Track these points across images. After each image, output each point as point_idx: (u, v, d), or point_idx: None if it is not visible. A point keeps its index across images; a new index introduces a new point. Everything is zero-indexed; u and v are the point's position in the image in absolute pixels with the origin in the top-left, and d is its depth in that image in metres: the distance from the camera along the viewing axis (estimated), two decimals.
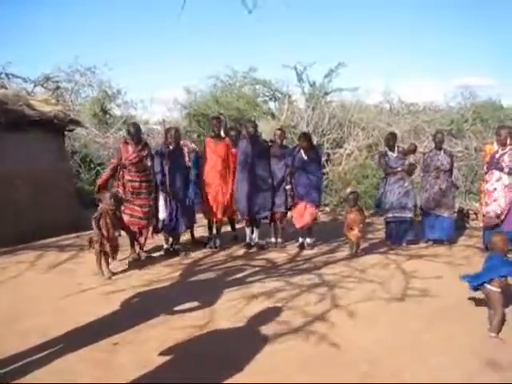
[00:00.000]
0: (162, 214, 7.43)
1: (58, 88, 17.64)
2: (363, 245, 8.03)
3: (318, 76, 15.28)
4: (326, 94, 15.68)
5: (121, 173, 7.19)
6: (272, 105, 17.10)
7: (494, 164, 7.28)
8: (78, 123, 10.51)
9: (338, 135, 13.91)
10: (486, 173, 7.53)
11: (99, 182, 7.28)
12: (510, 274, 4.59)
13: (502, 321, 4.53)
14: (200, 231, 8.59)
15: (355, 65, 33.80)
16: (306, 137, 8.08)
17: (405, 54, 39.10)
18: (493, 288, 4.53)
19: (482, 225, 7.80)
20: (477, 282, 4.67)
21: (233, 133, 8.58)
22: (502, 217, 7.17)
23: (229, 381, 3.62)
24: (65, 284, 6.14)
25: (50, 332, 4.47)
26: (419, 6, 36.40)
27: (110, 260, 6.52)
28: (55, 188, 9.22)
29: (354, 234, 7.53)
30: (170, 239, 7.76)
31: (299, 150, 7.90)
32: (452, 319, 4.86)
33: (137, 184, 7.18)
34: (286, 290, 5.88)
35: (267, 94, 17.10)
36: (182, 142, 7.77)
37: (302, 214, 7.86)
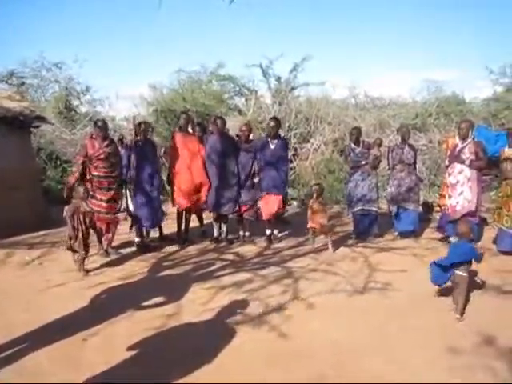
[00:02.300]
0: (131, 207, 7.49)
1: (22, 84, 17.35)
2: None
3: (284, 71, 15.30)
4: (293, 88, 15.74)
5: (87, 169, 7.17)
6: (239, 100, 17.12)
7: (455, 157, 7.46)
8: (43, 120, 10.38)
9: (305, 130, 14.02)
10: (447, 166, 7.72)
11: (72, 179, 7.14)
12: (476, 258, 4.97)
13: (466, 303, 4.88)
14: (168, 227, 8.60)
15: (322, 60, 34.01)
16: (275, 120, 8.29)
17: (372, 48, 39.41)
18: (461, 273, 4.85)
19: (442, 216, 7.98)
20: (446, 263, 4.95)
21: (198, 129, 8.60)
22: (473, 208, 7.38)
23: (196, 373, 3.69)
24: (34, 281, 6.12)
25: (18, 329, 4.46)
26: (383, 2, 36.72)
27: (83, 257, 6.49)
28: (21, 186, 9.08)
29: (318, 221, 7.59)
30: (141, 234, 7.77)
31: (267, 142, 8.00)
32: (413, 310, 5.01)
33: (104, 179, 7.17)
34: (253, 282, 6.00)
35: (234, 90, 17.10)
36: None
37: (268, 205, 7.95)
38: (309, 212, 7.72)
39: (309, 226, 7.69)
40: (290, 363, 3.90)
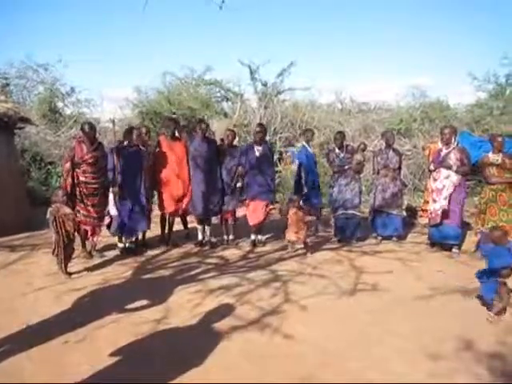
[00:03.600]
0: (113, 211, 7.43)
1: (7, 85, 17.21)
2: (315, 240, 8.26)
3: (270, 76, 15.37)
4: (279, 93, 15.81)
5: (74, 173, 7.06)
6: (225, 104, 17.14)
7: (441, 162, 7.52)
8: (28, 121, 10.29)
9: (291, 134, 14.08)
10: (431, 171, 7.78)
11: (67, 187, 6.97)
12: None
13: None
14: (152, 230, 8.50)
15: (309, 65, 34.08)
16: (261, 126, 8.34)
17: (358, 54, 39.66)
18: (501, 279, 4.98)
19: (427, 221, 8.03)
20: (489, 270, 5.07)
21: (184, 134, 8.58)
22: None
23: (184, 377, 3.68)
24: (16, 284, 6.07)
25: None
26: (371, 6, 36.98)
27: (66, 259, 6.43)
28: (4, 187, 8.98)
29: (295, 234, 7.61)
30: (124, 238, 7.71)
31: (252, 148, 8.01)
32: (399, 313, 5.05)
33: (91, 185, 7.10)
34: (240, 285, 5.99)
35: (220, 93, 17.12)
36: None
37: (255, 212, 7.97)
38: (288, 222, 7.72)
39: (287, 238, 7.70)
40: (279, 365, 3.90)
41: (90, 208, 7.13)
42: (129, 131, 7.59)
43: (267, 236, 8.47)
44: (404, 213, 9.10)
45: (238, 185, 7.98)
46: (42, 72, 17.75)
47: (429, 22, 36.29)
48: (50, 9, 35.07)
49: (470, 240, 7.97)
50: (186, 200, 7.96)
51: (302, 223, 7.63)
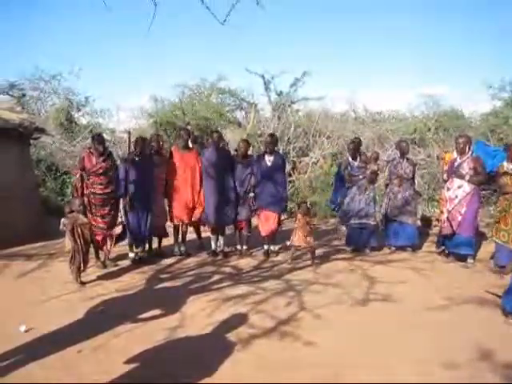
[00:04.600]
0: (123, 220, 7.51)
1: (23, 96, 17.43)
2: (328, 250, 8.26)
3: (283, 86, 15.40)
4: (292, 103, 15.84)
5: (84, 183, 7.17)
6: (239, 114, 17.21)
7: (454, 172, 7.49)
8: (43, 131, 10.40)
9: (304, 143, 14.09)
10: (445, 180, 7.75)
11: (77, 188, 7.18)
12: None
13: None
14: (165, 240, 8.54)
15: (322, 74, 34.11)
16: (272, 136, 8.33)
17: (371, 63, 39.58)
18: None
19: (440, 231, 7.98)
20: None
21: (196, 145, 8.62)
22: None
23: None
24: (31, 293, 6.08)
25: (13, 341, 4.43)
26: (384, 16, 36.97)
27: (80, 268, 6.46)
28: (20, 197, 9.07)
29: (303, 239, 7.57)
30: (136, 248, 7.74)
31: (263, 158, 8.03)
32: (414, 323, 5.01)
33: (100, 197, 7.18)
34: (255, 295, 5.98)
35: (234, 103, 17.19)
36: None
37: (267, 222, 7.98)
38: (295, 227, 7.72)
39: (293, 243, 7.67)
40: (294, 374, 3.88)
41: (98, 218, 7.20)
42: (140, 141, 7.64)
43: (279, 246, 8.44)
44: (419, 222, 9.05)
45: (251, 195, 7.99)
46: (55, 83, 18.00)
47: (443, 30, 36.12)
48: (66, 17, 35.34)
49: (486, 250, 7.92)
50: (198, 210, 7.99)
51: (308, 229, 7.61)
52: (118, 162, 7.54)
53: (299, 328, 4.87)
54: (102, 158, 7.19)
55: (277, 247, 8.27)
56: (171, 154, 8.00)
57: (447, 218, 7.53)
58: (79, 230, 6.35)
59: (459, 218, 7.39)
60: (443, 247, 7.89)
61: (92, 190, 7.14)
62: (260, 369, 3.98)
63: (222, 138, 8.34)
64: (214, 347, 4.43)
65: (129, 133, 8.61)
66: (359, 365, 4.06)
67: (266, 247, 8.16)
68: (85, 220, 6.50)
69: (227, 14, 4.73)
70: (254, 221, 8.53)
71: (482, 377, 3.81)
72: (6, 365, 4.01)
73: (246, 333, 4.72)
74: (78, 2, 34.92)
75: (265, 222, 8.01)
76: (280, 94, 15.48)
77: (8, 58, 29.33)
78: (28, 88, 17.84)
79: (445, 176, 7.82)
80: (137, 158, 7.50)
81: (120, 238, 7.58)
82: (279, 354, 4.27)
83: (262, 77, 15.27)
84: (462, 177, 7.40)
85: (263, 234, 8.07)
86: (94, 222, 7.08)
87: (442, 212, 7.89)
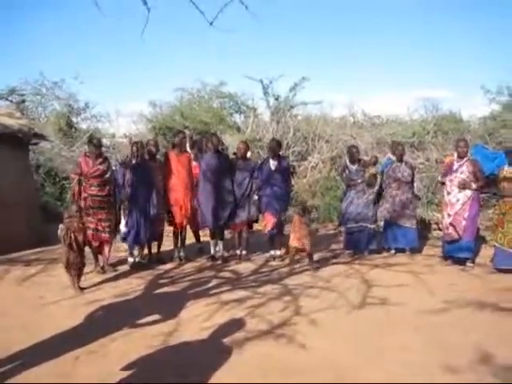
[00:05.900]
0: (123, 227, 7.51)
1: (23, 101, 17.43)
2: (327, 255, 8.27)
3: (282, 90, 15.32)
4: (291, 107, 15.84)
5: (81, 187, 7.18)
6: (238, 118, 17.21)
7: (453, 175, 7.48)
8: (42, 137, 10.42)
9: (303, 148, 14.11)
10: (442, 182, 7.76)
11: (77, 201, 7.15)
12: None
13: None
14: (163, 245, 8.53)
15: (320, 78, 34.13)
16: (275, 141, 8.41)
17: (370, 67, 39.58)
18: None
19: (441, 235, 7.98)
20: None
21: (194, 149, 8.61)
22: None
23: None
24: (31, 298, 6.10)
25: (13, 347, 4.42)
26: (384, 20, 37.06)
27: (78, 274, 6.46)
28: (19, 202, 9.10)
29: (297, 241, 7.60)
30: (135, 252, 7.75)
31: (267, 162, 8.05)
32: (412, 326, 5.00)
33: (97, 198, 7.18)
34: (253, 299, 5.98)
35: (233, 107, 17.19)
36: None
37: (270, 223, 8.00)
38: (291, 229, 7.75)
39: (290, 244, 7.70)
40: (290, 378, 3.87)
41: (96, 222, 7.20)
42: (137, 145, 7.63)
43: (282, 251, 8.42)
44: (417, 225, 9.05)
45: (255, 197, 8.01)
46: (56, 88, 17.98)
47: (442, 34, 36.17)
48: (65, 22, 35.41)
49: (485, 253, 7.92)
50: (195, 214, 8.00)
51: (304, 230, 7.62)
52: (118, 167, 7.54)
53: (296, 332, 4.85)
54: (98, 161, 7.23)
55: (278, 252, 8.26)
56: (167, 156, 8.02)
57: (450, 223, 7.50)
58: (73, 235, 6.34)
59: (463, 222, 7.37)
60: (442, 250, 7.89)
61: (89, 192, 7.15)
62: (256, 373, 3.96)
63: (220, 141, 8.33)
64: (211, 352, 4.42)
65: (130, 139, 8.64)
66: (358, 369, 4.02)
67: (272, 252, 8.19)
68: (79, 225, 6.50)
69: (215, 16, 4.80)
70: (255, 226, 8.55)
71: (482, 380, 3.79)
72: (6, 370, 4.00)
73: (242, 337, 4.71)
74: (75, 8, 34.95)
75: (268, 223, 8.03)
76: (277, 98, 15.45)
77: (11, 65, 29.43)
78: (29, 93, 17.82)
79: (439, 177, 7.83)
80: (134, 162, 7.51)
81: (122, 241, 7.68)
82: (275, 358, 4.26)
83: (261, 81, 15.26)
84: (469, 187, 7.35)
85: (268, 228, 8.05)
86: (91, 225, 7.09)
87: (442, 216, 7.87)
